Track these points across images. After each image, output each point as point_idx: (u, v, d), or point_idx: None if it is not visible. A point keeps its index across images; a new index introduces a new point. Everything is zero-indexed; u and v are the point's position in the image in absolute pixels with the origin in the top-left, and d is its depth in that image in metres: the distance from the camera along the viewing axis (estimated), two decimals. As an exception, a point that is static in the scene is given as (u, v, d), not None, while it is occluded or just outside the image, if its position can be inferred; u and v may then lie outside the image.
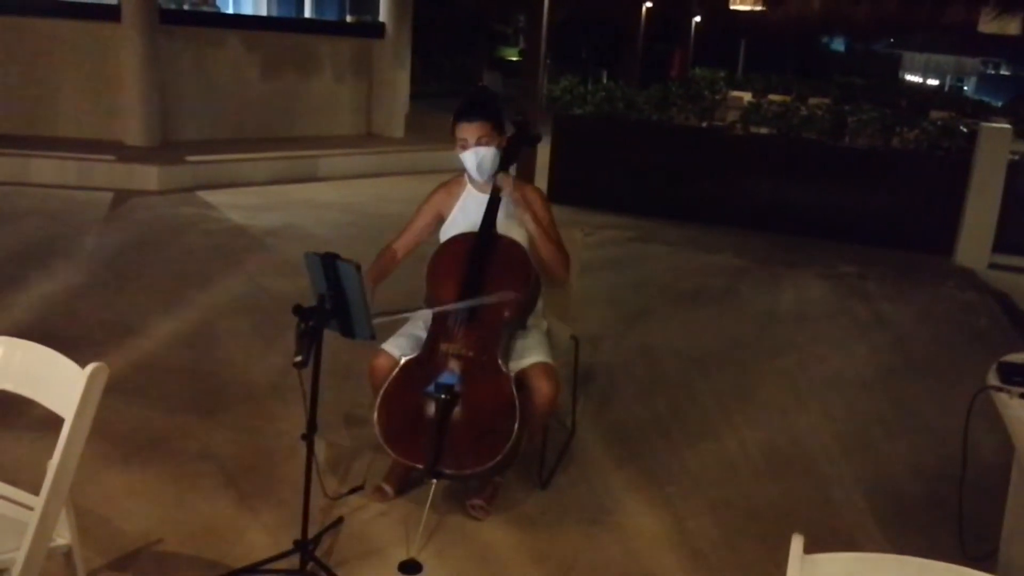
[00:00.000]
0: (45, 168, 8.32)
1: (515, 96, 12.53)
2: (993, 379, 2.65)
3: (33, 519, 2.00)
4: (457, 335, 3.22)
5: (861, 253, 8.11)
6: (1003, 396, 2.58)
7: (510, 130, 3.52)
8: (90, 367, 2.03)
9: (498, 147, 3.38)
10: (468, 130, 3.35)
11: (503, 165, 3.40)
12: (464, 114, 3.37)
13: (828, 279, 7.23)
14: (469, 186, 3.50)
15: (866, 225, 8.46)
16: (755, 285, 6.93)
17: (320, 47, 11.07)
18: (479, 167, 3.36)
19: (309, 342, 2.64)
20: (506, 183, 3.36)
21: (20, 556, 1.98)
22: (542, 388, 3.18)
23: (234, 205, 8.08)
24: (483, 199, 3.40)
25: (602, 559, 3.12)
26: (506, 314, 3.25)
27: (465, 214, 3.46)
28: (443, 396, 3.06)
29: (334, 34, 12.24)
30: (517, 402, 3.10)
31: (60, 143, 8.91)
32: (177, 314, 5.18)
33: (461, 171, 3.53)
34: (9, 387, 2.20)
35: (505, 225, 3.40)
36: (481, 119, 3.35)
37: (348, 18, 18.03)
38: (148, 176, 8.44)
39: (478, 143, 3.34)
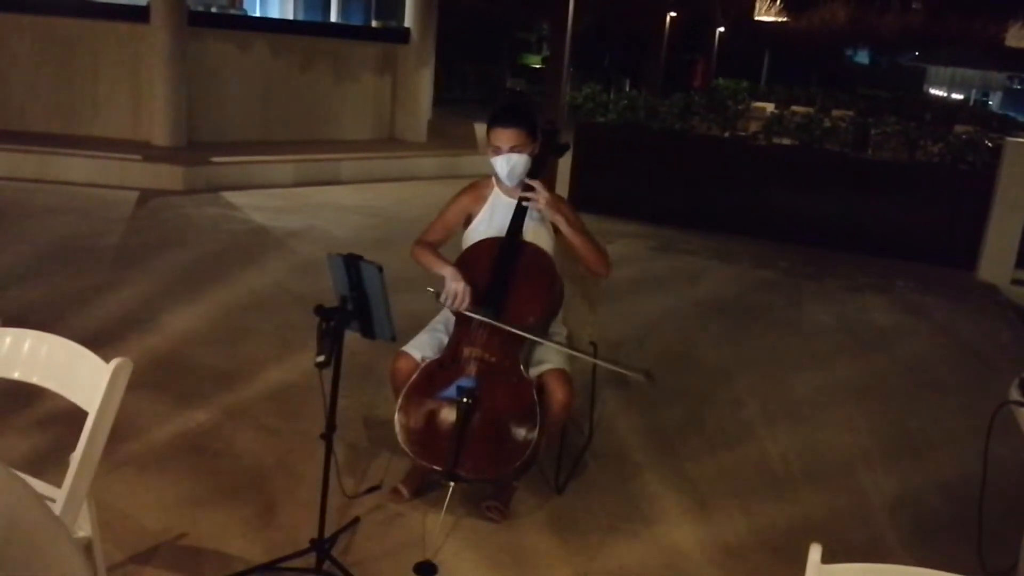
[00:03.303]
0: (72, 166, 8.43)
1: (538, 102, 12.56)
2: (1015, 394, 2.63)
3: (55, 511, 2.03)
4: (480, 340, 3.22)
5: (883, 266, 8.07)
6: (1024, 411, 2.57)
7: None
8: (114, 362, 2.04)
9: (531, 155, 3.39)
10: (503, 136, 3.35)
11: (534, 173, 3.40)
12: (499, 120, 3.37)
13: (849, 291, 7.19)
14: (497, 189, 3.51)
15: (888, 238, 8.42)
16: (776, 296, 6.91)
17: (345, 51, 11.14)
18: (510, 173, 3.37)
19: (331, 342, 2.66)
20: (540, 189, 3.35)
21: (42, 547, 2.01)
22: (557, 394, 3.19)
23: (257, 206, 8.14)
24: (511, 204, 3.40)
25: (617, 565, 3.11)
26: (531, 320, 3.26)
27: (492, 218, 3.47)
28: (464, 400, 3.07)
29: (359, 39, 12.31)
30: (538, 409, 3.11)
31: (88, 142, 9.02)
32: (200, 313, 5.22)
33: (487, 174, 3.55)
34: (35, 380, 2.22)
35: (532, 231, 3.41)
36: (516, 126, 3.34)
37: (373, 23, 18.13)
38: (173, 176, 8.52)
39: (511, 150, 3.34)
